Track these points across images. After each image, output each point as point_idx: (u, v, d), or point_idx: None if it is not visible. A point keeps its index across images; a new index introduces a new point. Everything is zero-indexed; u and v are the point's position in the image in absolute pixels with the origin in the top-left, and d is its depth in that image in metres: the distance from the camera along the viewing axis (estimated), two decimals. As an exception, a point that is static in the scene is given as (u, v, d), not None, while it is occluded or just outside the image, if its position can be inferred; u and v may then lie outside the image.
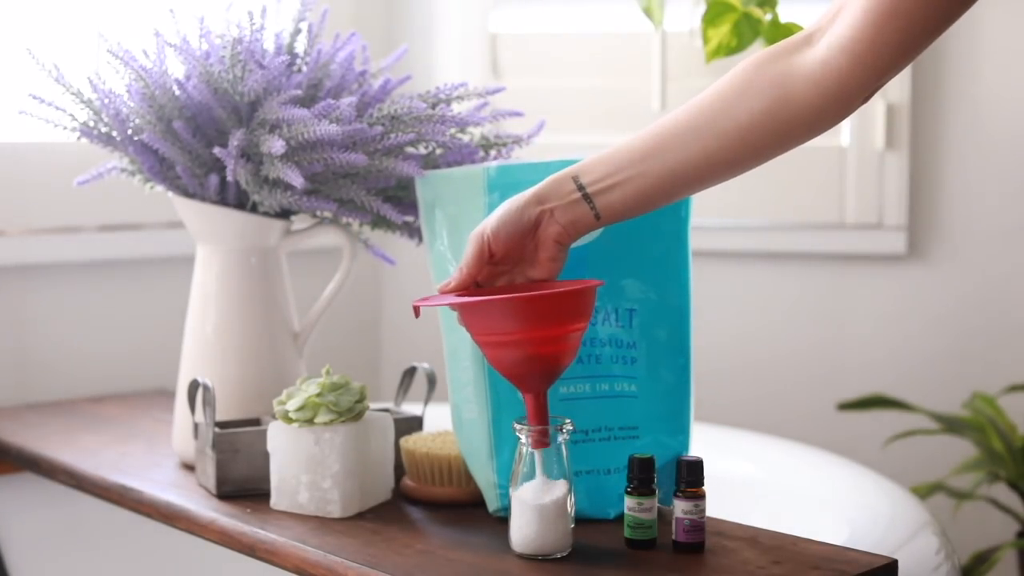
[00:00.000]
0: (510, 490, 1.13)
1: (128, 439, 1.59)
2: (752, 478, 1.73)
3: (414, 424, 1.39)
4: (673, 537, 1.14)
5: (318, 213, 1.43)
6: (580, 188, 1.09)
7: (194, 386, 1.34)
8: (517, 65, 2.27)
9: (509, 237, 1.10)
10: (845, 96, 1.04)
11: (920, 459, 2.12)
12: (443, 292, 1.14)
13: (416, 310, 1.12)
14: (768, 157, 1.08)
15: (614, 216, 1.10)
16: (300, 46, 1.42)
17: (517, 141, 1.43)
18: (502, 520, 1.22)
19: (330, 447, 1.23)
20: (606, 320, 1.24)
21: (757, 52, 1.08)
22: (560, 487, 1.11)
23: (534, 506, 1.11)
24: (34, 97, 1.39)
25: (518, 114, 1.43)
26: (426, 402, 1.41)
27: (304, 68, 1.40)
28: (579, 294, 1.09)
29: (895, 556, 1.13)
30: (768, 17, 1.56)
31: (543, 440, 1.11)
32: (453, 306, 1.12)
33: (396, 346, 2.37)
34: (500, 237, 1.10)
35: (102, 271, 1.96)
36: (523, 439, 1.12)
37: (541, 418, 1.11)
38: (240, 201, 1.40)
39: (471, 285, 1.13)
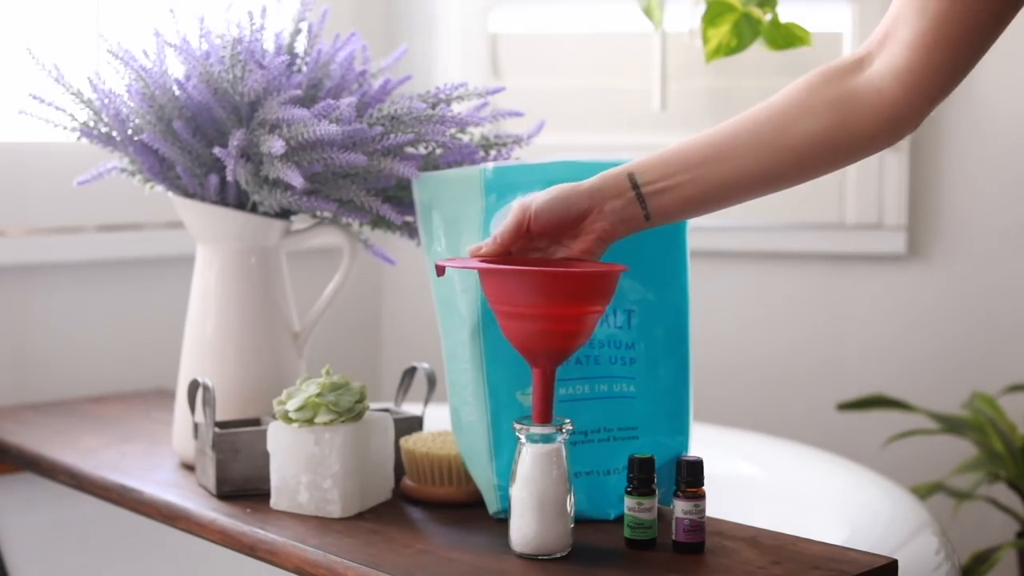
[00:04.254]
0: (510, 490, 1.13)
1: (128, 439, 1.59)
2: (752, 478, 1.73)
3: (414, 424, 1.39)
4: (673, 537, 1.14)
5: (318, 213, 1.43)
6: (635, 187, 1.10)
7: (194, 386, 1.34)
8: (517, 65, 2.27)
9: (550, 222, 1.11)
10: (900, 122, 1.07)
11: (920, 459, 2.12)
12: (473, 255, 1.14)
13: (439, 269, 1.13)
14: (818, 175, 1.11)
15: (664, 218, 1.12)
16: (300, 46, 1.42)
17: (517, 141, 1.43)
18: (502, 520, 1.22)
19: (330, 447, 1.23)
20: (604, 321, 1.23)
21: (812, 71, 1.11)
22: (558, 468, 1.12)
23: (534, 503, 1.11)
24: (34, 97, 1.39)
25: (518, 114, 1.43)
26: (426, 402, 1.41)
27: (304, 68, 1.40)
28: (602, 277, 1.09)
29: (895, 556, 1.13)
30: (768, 17, 1.56)
31: (546, 416, 1.11)
32: (477, 269, 1.12)
33: (396, 346, 2.37)
34: (542, 218, 1.11)
35: (102, 271, 1.96)
36: (522, 439, 1.12)
37: (546, 394, 1.11)
38: (240, 201, 1.40)
39: (503, 254, 1.13)
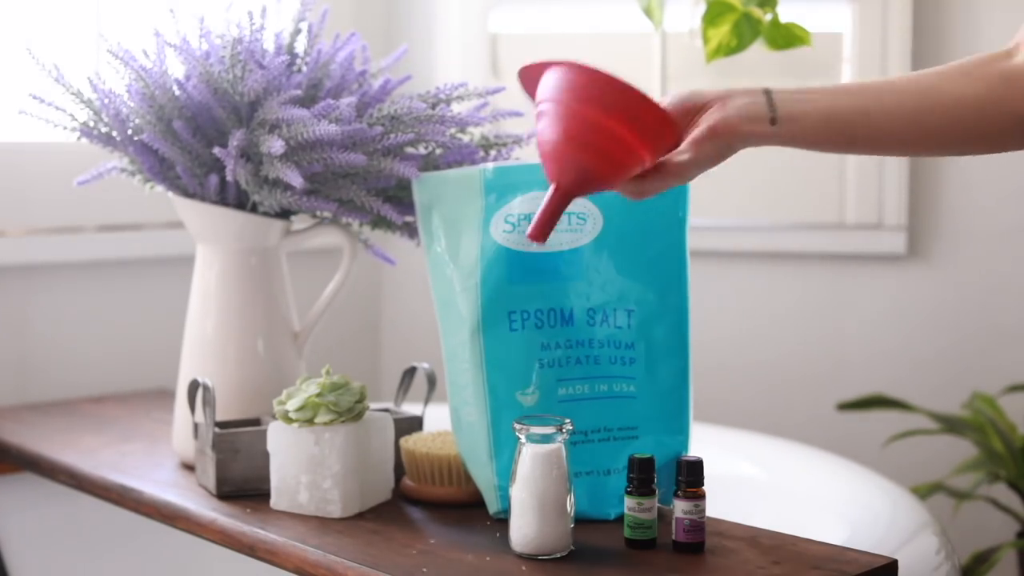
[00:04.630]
0: (510, 490, 1.13)
1: (128, 439, 1.59)
2: (752, 478, 1.73)
3: (414, 424, 1.39)
4: (673, 537, 1.14)
5: (318, 213, 1.43)
6: (767, 91, 1.07)
7: (194, 386, 1.34)
8: (517, 65, 2.26)
9: (670, 107, 1.08)
10: None
11: (920, 459, 2.12)
12: None
13: (524, 70, 1.11)
14: (955, 147, 1.09)
15: (789, 129, 1.07)
16: (300, 46, 1.42)
17: (517, 141, 1.43)
18: (502, 520, 1.22)
19: (330, 447, 1.23)
20: (604, 321, 1.23)
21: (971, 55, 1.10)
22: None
23: (534, 503, 1.11)
24: (34, 97, 1.39)
25: (518, 114, 1.43)
26: (426, 402, 1.41)
27: (304, 68, 1.40)
28: (648, 106, 1.03)
29: (895, 556, 1.13)
30: (768, 17, 1.56)
31: (540, 234, 1.06)
32: (546, 64, 1.09)
33: (396, 346, 2.37)
34: (664, 104, 1.09)
35: (102, 271, 1.96)
36: (522, 439, 1.12)
37: (551, 214, 1.05)
38: (240, 201, 1.40)
39: None
